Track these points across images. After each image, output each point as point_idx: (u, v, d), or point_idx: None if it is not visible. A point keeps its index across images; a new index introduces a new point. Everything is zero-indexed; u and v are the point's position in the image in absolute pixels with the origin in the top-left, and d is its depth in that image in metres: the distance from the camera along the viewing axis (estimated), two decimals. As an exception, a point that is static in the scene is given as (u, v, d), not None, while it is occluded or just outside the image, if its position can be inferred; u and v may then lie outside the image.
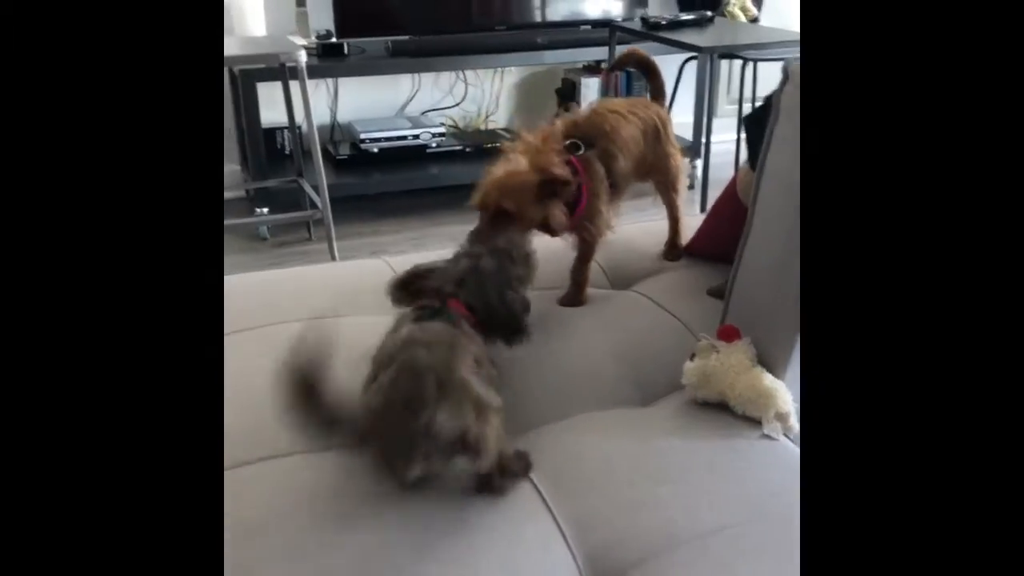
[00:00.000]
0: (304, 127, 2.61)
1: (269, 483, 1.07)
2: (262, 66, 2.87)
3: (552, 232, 1.41)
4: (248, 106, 2.94)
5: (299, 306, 1.49)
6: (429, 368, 0.93)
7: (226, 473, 1.05)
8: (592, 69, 3.59)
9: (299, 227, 3.12)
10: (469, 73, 3.56)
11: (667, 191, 1.69)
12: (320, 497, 1.04)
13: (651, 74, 1.73)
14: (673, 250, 1.73)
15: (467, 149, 3.37)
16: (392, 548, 0.97)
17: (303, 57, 2.49)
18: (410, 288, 1.16)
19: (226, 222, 3.05)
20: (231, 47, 2.57)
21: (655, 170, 1.63)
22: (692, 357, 1.27)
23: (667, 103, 1.73)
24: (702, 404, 1.25)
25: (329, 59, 3.11)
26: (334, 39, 3.11)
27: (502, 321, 1.16)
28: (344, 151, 3.28)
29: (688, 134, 3.65)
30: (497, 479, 1.02)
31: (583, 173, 1.43)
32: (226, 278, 1.43)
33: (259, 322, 1.42)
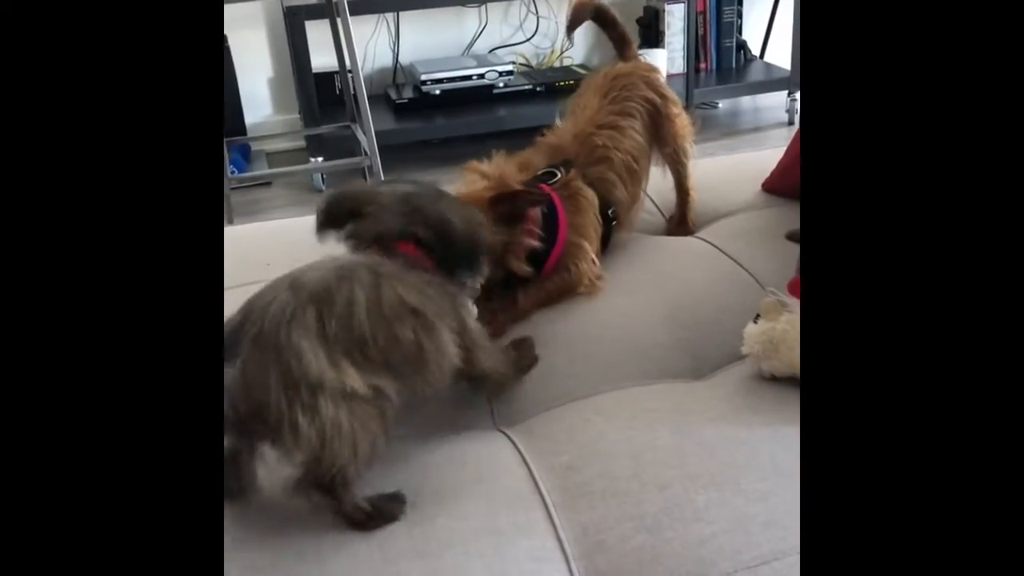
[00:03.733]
0: (351, 67, 2.40)
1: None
2: (309, 2, 2.66)
3: (513, 270, 1.07)
4: (297, 47, 2.74)
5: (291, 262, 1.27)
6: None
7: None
8: (678, -6, 3.23)
9: (356, 177, 2.92)
10: (541, 3, 3.26)
11: (674, 162, 1.36)
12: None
13: (608, 25, 1.37)
14: (681, 226, 1.40)
15: (537, 88, 3.08)
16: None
17: (342, -15, 2.26)
18: (343, 222, 0.92)
19: (278, 170, 2.91)
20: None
21: (658, 143, 1.31)
22: (756, 319, 0.99)
23: (634, 48, 1.37)
24: (768, 379, 0.97)
25: (384, -10, 2.88)
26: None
27: (462, 252, 0.92)
28: (405, 94, 3.06)
29: (786, 62, 3.26)
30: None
31: (560, 205, 1.12)
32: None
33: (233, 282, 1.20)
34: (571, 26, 1.39)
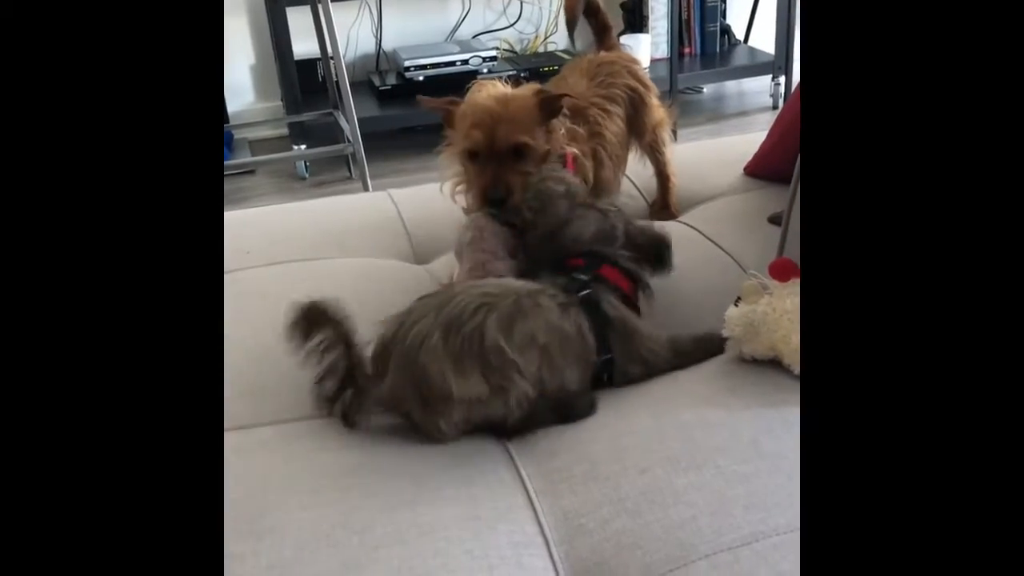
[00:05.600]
0: (332, 52, 2.38)
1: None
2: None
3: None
4: (278, 33, 2.72)
5: (270, 249, 1.27)
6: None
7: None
8: (661, -21, 3.21)
9: (339, 165, 2.90)
10: (524, -11, 3.24)
11: (652, 150, 1.39)
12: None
13: (593, 13, 1.40)
14: (664, 211, 1.42)
15: (522, 74, 3.06)
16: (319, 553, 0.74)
17: (323, -29, 2.24)
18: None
19: (261, 157, 2.89)
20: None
21: (636, 133, 1.34)
22: (737, 302, 0.99)
23: (614, 37, 1.41)
24: (749, 361, 0.97)
25: (366, -23, 2.85)
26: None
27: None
28: (389, 81, 3.03)
29: (770, 47, 3.26)
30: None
31: (571, 160, 1.16)
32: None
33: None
34: (570, 25, 1.40)
